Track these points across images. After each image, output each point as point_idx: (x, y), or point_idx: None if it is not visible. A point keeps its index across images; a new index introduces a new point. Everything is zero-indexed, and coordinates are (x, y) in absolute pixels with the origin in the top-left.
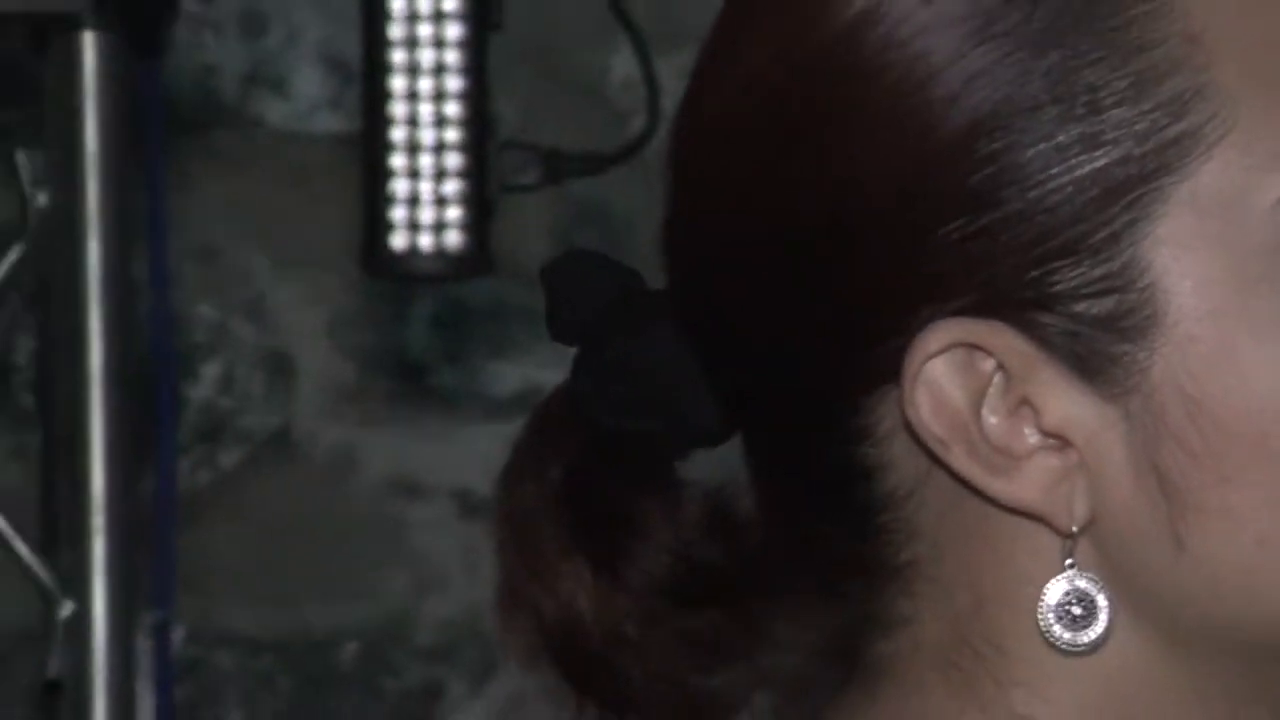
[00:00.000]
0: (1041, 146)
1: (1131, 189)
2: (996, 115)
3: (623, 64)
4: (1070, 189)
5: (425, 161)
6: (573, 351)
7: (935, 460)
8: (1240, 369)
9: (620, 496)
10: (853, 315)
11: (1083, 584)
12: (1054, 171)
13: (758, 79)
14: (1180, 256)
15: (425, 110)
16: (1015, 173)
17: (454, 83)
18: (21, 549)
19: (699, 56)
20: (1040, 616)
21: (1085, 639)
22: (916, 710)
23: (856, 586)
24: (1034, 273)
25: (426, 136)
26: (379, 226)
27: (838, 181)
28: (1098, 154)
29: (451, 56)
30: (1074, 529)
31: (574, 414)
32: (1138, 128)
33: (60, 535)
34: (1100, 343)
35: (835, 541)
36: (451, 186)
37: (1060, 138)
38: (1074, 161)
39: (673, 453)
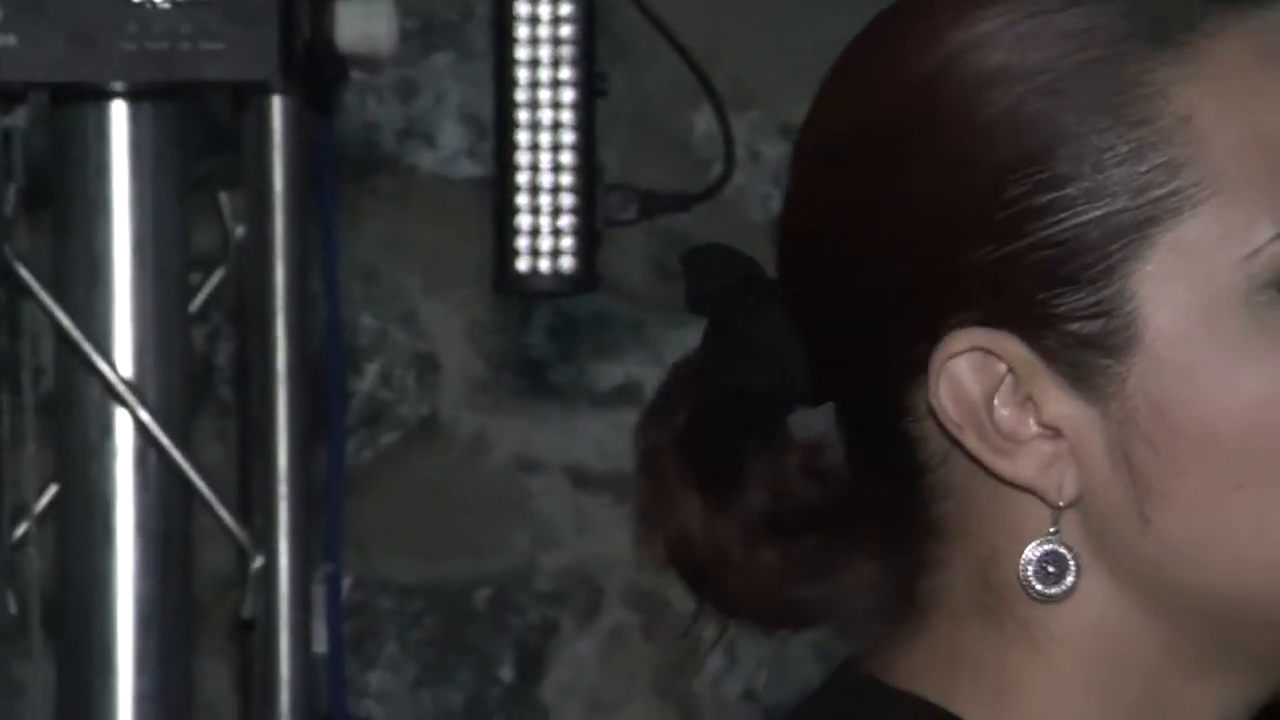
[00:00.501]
0: (1057, 194)
1: (1125, 234)
2: (1022, 166)
3: (704, 121)
4: (1076, 230)
5: (544, 200)
6: (660, 348)
7: (952, 439)
8: (1199, 386)
9: (732, 441)
10: (899, 317)
11: (1059, 548)
12: (1064, 215)
13: (850, 114)
14: (1160, 291)
15: (545, 159)
16: (1034, 214)
17: (568, 137)
18: (223, 513)
19: (819, 89)
20: (1020, 570)
21: (1053, 591)
22: (957, 635)
23: (907, 534)
24: (1041, 295)
25: (545, 180)
26: (507, 253)
27: (895, 207)
28: (1100, 204)
29: (566, 116)
30: (1061, 503)
31: (700, 373)
32: (1134, 185)
33: (253, 502)
34: (1088, 356)
35: (891, 496)
36: (565, 221)
37: (1070, 189)
38: (1080, 209)
39: (778, 409)
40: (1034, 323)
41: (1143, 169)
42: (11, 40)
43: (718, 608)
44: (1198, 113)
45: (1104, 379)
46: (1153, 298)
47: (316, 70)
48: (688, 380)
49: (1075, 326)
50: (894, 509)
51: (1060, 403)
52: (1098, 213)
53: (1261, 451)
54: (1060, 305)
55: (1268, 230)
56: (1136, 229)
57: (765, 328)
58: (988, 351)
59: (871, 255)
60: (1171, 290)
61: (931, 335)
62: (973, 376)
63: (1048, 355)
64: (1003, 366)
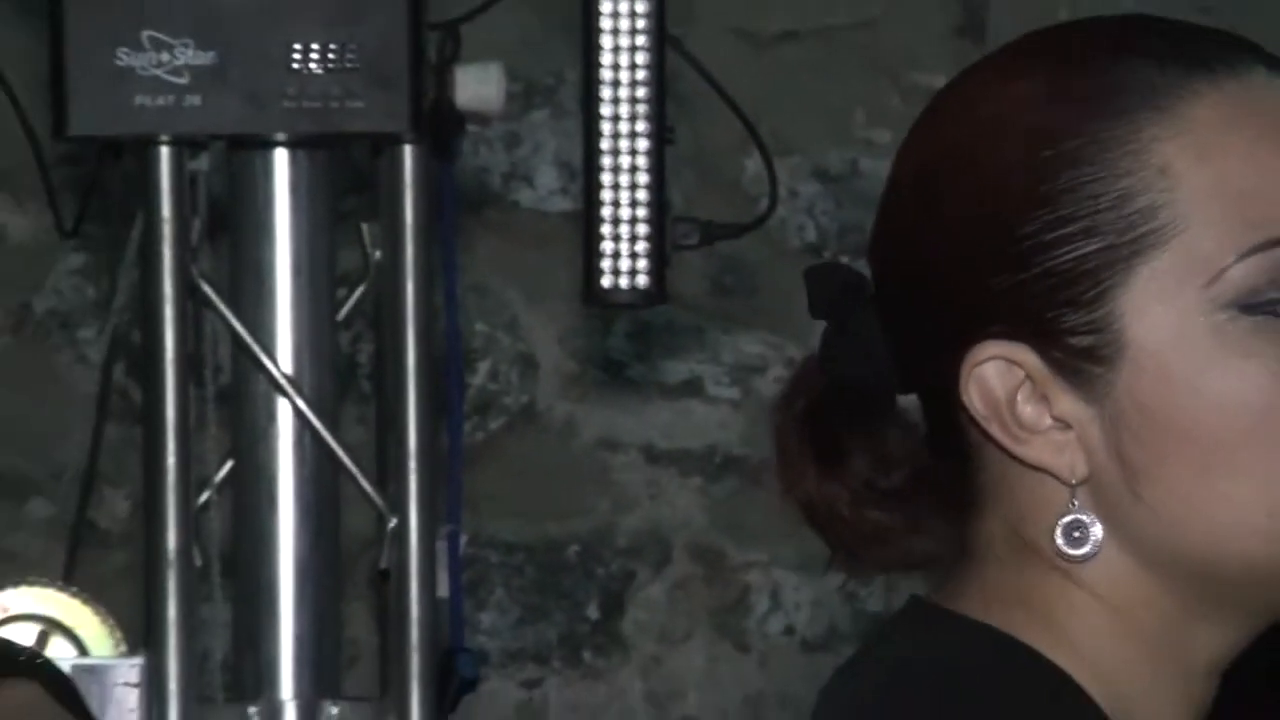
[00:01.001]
0: (1060, 232)
1: (1113, 266)
2: (1033, 209)
3: (753, 165)
4: (1075, 262)
5: (623, 229)
6: (717, 350)
7: (981, 430)
8: (1173, 391)
9: (840, 423)
10: (944, 329)
11: (1080, 516)
12: (1066, 249)
13: (912, 167)
14: (1140, 312)
15: (624, 196)
16: (1042, 248)
17: (642, 178)
18: (364, 484)
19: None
20: (1052, 536)
21: (1078, 553)
22: (1001, 577)
23: (961, 500)
24: (1049, 314)
25: (624, 213)
26: (593, 272)
27: (940, 240)
28: (1093, 241)
29: (641, 161)
30: (1073, 481)
31: (818, 368)
32: (1120, 225)
33: (388, 474)
34: (1085, 365)
35: (950, 471)
36: (640, 246)
37: (1071, 228)
38: (1079, 244)
39: (877, 399)
40: (1043, 336)
41: (1128, 212)
42: (197, 100)
43: (840, 551)
44: (1173, 165)
45: (1098, 384)
46: (1135, 317)
47: (439, 124)
48: (808, 374)
49: (1075, 340)
50: (953, 481)
51: (1067, 402)
52: (1093, 248)
53: (1226, 444)
54: (1064, 323)
55: (1226, 260)
56: (1124, 261)
57: (867, 332)
58: (1009, 360)
59: (923, 278)
60: (1150, 311)
61: (967, 344)
62: (997, 380)
63: (1055, 364)
64: (1021, 372)
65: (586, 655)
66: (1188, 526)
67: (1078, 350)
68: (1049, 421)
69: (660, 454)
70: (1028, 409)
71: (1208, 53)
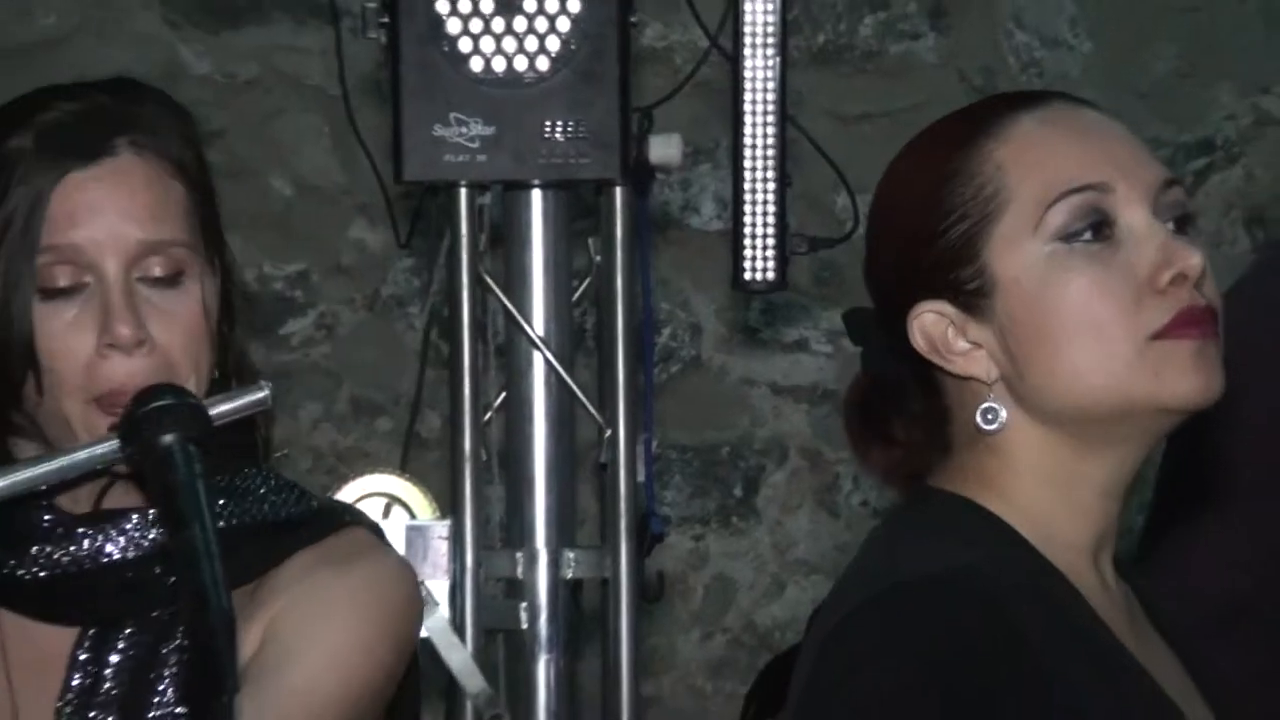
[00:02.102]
0: (945, 222)
1: (978, 233)
2: (935, 209)
3: (842, 199)
4: (957, 238)
5: (759, 242)
6: (818, 320)
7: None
8: (1027, 302)
9: (883, 405)
10: (896, 307)
11: (992, 404)
12: (950, 231)
13: (878, 197)
14: (1000, 256)
15: (759, 220)
16: (939, 235)
17: (771, 208)
18: (590, 408)
19: (879, 186)
20: (973, 419)
21: (991, 429)
22: (961, 462)
23: (942, 417)
24: (949, 275)
25: (760, 231)
26: (739, 269)
27: (892, 241)
28: (964, 222)
29: (770, 197)
30: (989, 381)
31: (863, 369)
32: (976, 207)
33: (605, 401)
34: (978, 301)
35: (934, 400)
36: (770, 253)
37: (953, 216)
38: (956, 226)
39: (894, 386)
40: (950, 289)
41: (980, 197)
42: (484, 158)
43: (877, 472)
44: (1003, 162)
45: (987, 311)
46: (998, 261)
47: (639, 174)
48: (859, 375)
49: (968, 286)
50: (934, 415)
51: (974, 329)
52: (964, 226)
53: (1067, 332)
54: (959, 277)
55: (1041, 210)
56: (983, 228)
57: (882, 346)
58: (935, 312)
59: (879, 278)
60: (1005, 255)
61: (908, 310)
62: (931, 326)
63: (961, 305)
64: (944, 318)
65: (733, 520)
66: (1056, 391)
67: (970, 292)
68: (965, 345)
69: (781, 388)
70: (951, 340)
71: (1029, 97)
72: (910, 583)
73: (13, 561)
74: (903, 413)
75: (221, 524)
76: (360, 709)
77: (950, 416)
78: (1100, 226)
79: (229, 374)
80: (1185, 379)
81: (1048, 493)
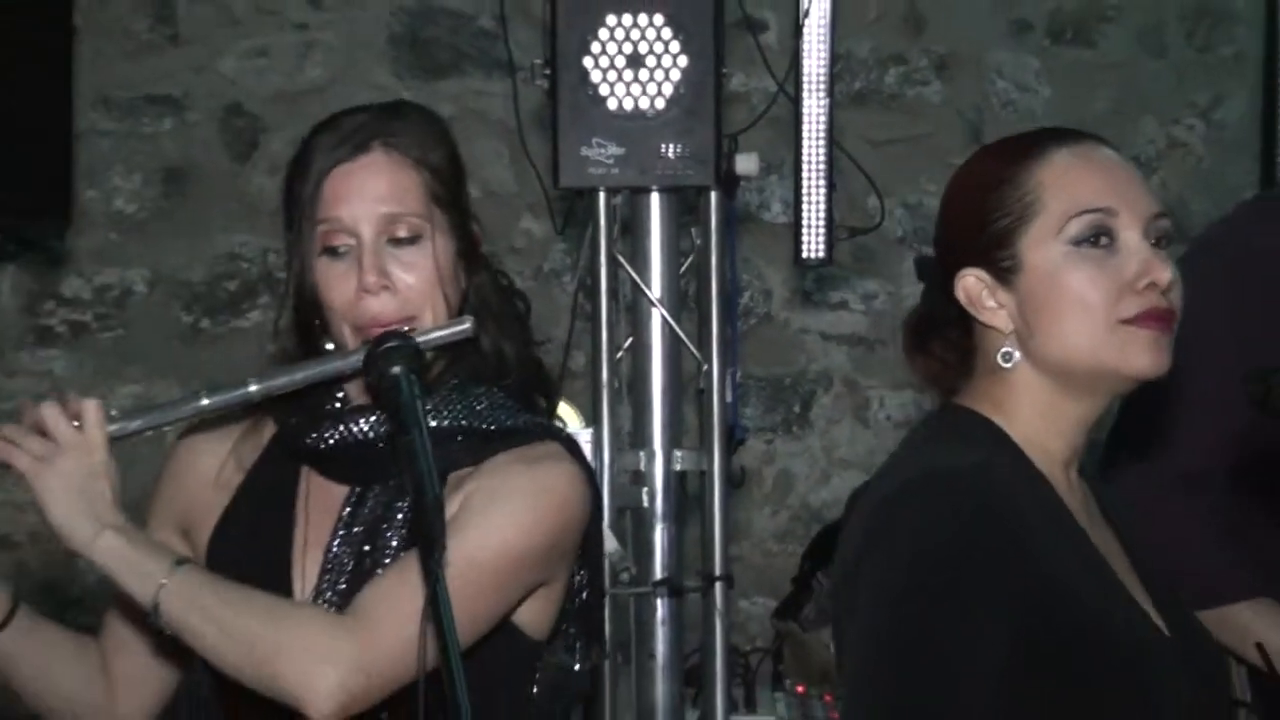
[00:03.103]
0: (994, 214)
1: (1017, 229)
2: (982, 208)
3: (873, 200)
4: (1000, 229)
5: (813, 231)
6: (852, 289)
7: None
8: (1042, 283)
9: (929, 329)
10: (948, 268)
11: (1010, 348)
12: (996, 223)
13: (944, 196)
14: (1030, 248)
15: (814, 216)
16: (988, 224)
17: (821, 207)
18: (691, 348)
19: (953, 178)
20: (998, 355)
21: (1008, 366)
22: (982, 386)
23: (973, 351)
24: (990, 254)
25: (814, 223)
26: (798, 250)
27: (947, 228)
28: (1008, 218)
29: (822, 200)
30: (1007, 331)
31: (921, 300)
32: (1017, 209)
33: (704, 344)
34: (1008, 275)
35: (964, 342)
36: (820, 237)
37: (999, 211)
38: (1001, 220)
39: (938, 317)
40: (990, 264)
41: (1021, 203)
42: (616, 170)
43: (918, 376)
44: (1042, 180)
45: (1013, 284)
46: (1027, 251)
47: (728, 181)
48: (917, 305)
49: (1003, 264)
50: (967, 341)
51: (1002, 294)
52: (1006, 221)
53: (1065, 307)
54: (997, 256)
55: (1063, 221)
56: (1021, 225)
57: (935, 286)
58: (975, 276)
59: (943, 246)
60: (1033, 247)
61: (956, 273)
62: (972, 286)
63: (995, 274)
64: (981, 283)
65: (794, 429)
66: (1052, 348)
67: (1003, 268)
68: (993, 304)
69: (828, 336)
70: (984, 298)
71: (1064, 135)
72: (940, 471)
73: (314, 434)
74: (942, 337)
75: (446, 422)
76: (509, 576)
77: (975, 350)
78: (1102, 238)
79: (470, 308)
80: (1142, 357)
81: (1038, 418)
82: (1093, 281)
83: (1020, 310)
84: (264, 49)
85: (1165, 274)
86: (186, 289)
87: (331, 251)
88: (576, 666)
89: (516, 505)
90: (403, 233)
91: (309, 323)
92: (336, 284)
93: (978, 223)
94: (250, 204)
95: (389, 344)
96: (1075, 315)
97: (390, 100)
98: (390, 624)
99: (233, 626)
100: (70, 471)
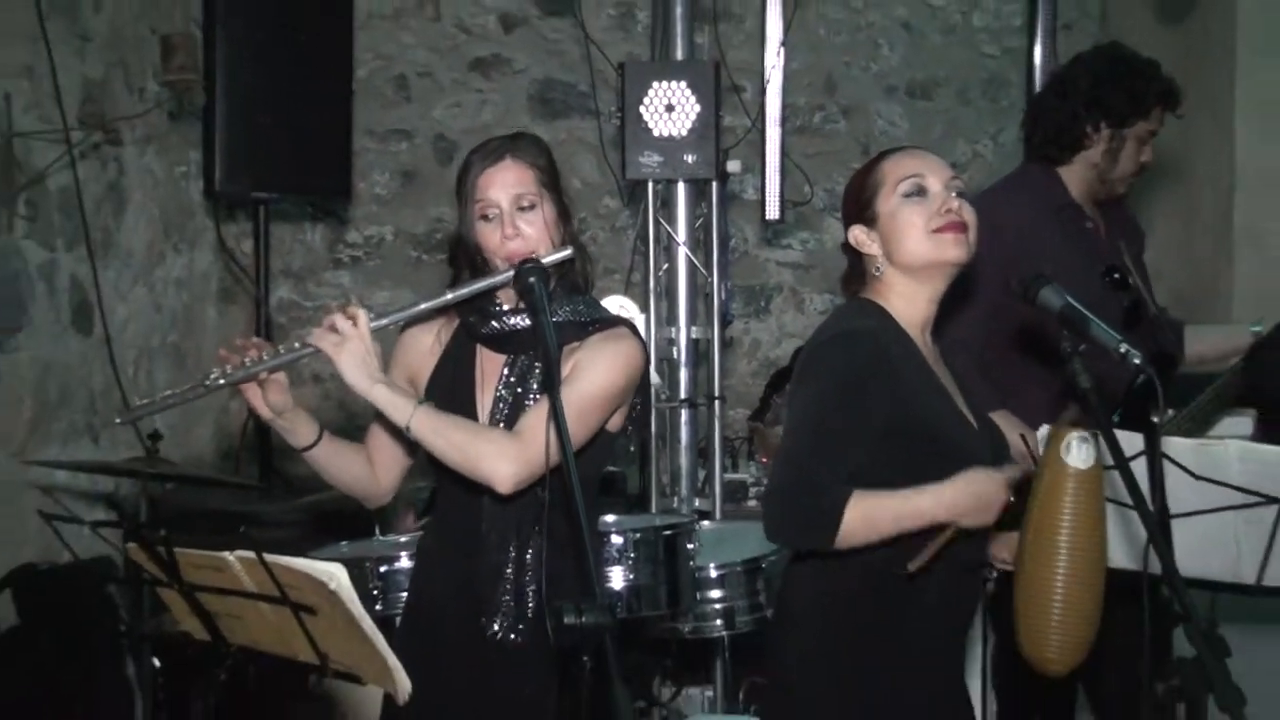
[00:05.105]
0: (867, 194)
1: (875, 197)
2: (864, 194)
3: (806, 187)
4: (868, 200)
5: (773, 201)
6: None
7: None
8: (889, 222)
9: (848, 257)
10: (849, 223)
11: (880, 263)
12: (867, 196)
13: (850, 183)
14: (882, 204)
15: (773, 193)
16: (862, 198)
17: (778, 188)
18: (700, 269)
19: (849, 181)
20: (876, 264)
21: (878, 274)
22: (872, 285)
23: (863, 268)
24: (865, 213)
25: (772, 199)
26: (765, 213)
27: (850, 203)
28: (872, 192)
29: (777, 185)
30: (878, 255)
31: (842, 245)
32: (875, 187)
33: (710, 266)
34: (873, 224)
35: (858, 262)
36: (777, 205)
37: (868, 191)
38: (870, 194)
39: (852, 251)
40: (865, 219)
41: (877, 183)
42: (657, 170)
43: (843, 287)
44: (886, 170)
45: (877, 227)
46: (880, 207)
47: (723, 176)
48: (841, 245)
49: (872, 217)
50: (860, 264)
51: (873, 234)
52: (870, 194)
53: (903, 233)
54: (868, 214)
55: (896, 184)
56: (875, 194)
57: (846, 240)
58: (860, 228)
59: (845, 209)
60: (883, 205)
61: (851, 227)
62: (858, 233)
63: (868, 224)
64: (864, 232)
65: (760, 315)
66: (903, 257)
67: (870, 219)
68: (869, 241)
69: (781, 263)
70: (866, 240)
71: (898, 148)
72: (846, 330)
73: (484, 329)
74: (853, 263)
75: (566, 317)
76: (603, 404)
77: (865, 267)
78: (919, 191)
79: (568, 243)
80: (950, 250)
81: (901, 300)
82: (915, 213)
83: (883, 241)
84: (458, 103)
85: (955, 202)
86: (413, 238)
87: (485, 218)
88: (631, 447)
89: (606, 364)
90: (524, 204)
91: (473, 261)
92: (489, 236)
93: (857, 198)
94: (448, 191)
95: (526, 265)
96: (909, 234)
97: (516, 131)
98: (536, 435)
99: (452, 439)
100: (354, 350)
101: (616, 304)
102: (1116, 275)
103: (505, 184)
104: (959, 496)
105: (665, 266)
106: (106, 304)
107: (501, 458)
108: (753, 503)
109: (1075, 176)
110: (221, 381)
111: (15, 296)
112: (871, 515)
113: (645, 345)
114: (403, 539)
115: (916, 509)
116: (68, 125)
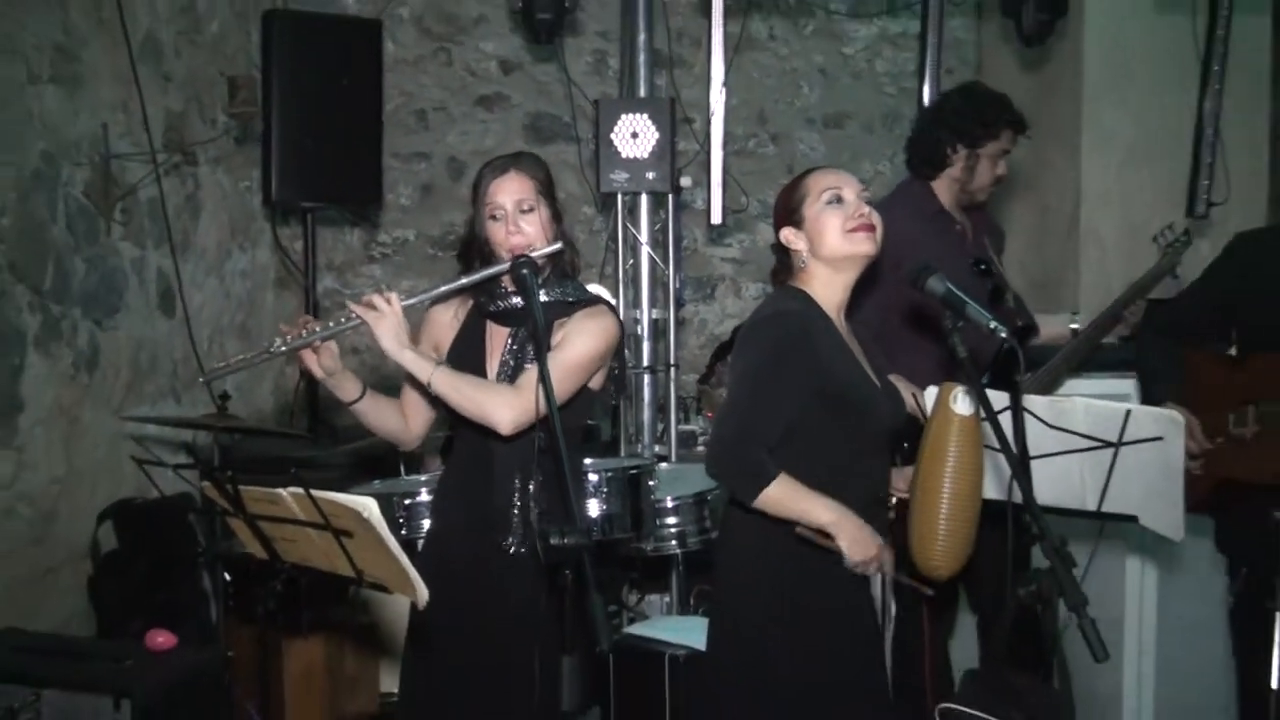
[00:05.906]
0: (795, 201)
1: (801, 204)
2: (793, 202)
3: (743, 198)
4: (796, 206)
5: (716, 207)
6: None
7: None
8: (813, 224)
9: (778, 255)
10: (780, 225)
11: (804, 257)
12: (796, 203)
13: (780, 195)
14: (808, 209)
15: (717, 202)
16: (791, 205)
17: (720, 198)
18: (660, 264)
19: (779, 193)
20: (803, 258)
21: (803, 266)
22: (799, 276)
23: (790, 261)
24: (794, 218)
25: (716, 207)
26: (709, 219)
27: (780, 210)
28: (799, 200)
29: (719, 196)
30: (804, 251)
31: (772, 246)
32: (801, 197)
33: (667, 261)
34: (801, 226)
35: (786, 257)
36: (720, 211)
37: (795, 199)
38: (797, 201)
39: (783, 249)
40: (794, 222)
41: (804, 194)
42: (625, 185)
43: (773, 279)
44: (811, 184)
45: (803, 228)
46: (806, 212)
47: (677, 189)
48: (772, 245)
49: (799, 221)
50: (787, 259)
51: (800, 234)
52: (798, 203)
53: (823, 231)
54: (796, 218)
55: (819, 194)
56: (803, 202)
57: (778, 239)
58: (790, 230)
59: (776, 215)
60: (809, 210)
61: (782, 229)
62: (788, 234)
63: (795, 226)
64: (794, 232)
65: (707, 300)
66: (824, 252)
67: (798, 223)
68: (797, 240)
69: (723, 259)
70: (793, 239)
71: (821, 168)
72: (777, 312)
73: (491, 307)
74: (781, 258)
75: (557, 297)
76: (585, 368)
77: (792, 261)
78: (838, 200)
79: (559, 239)
80: (861, 246)
81: (822, 287)
82: (834, 216)
83: (808, 239)
84: (466, 131)
85: (865, 209)
86: (431, 239)
87: (493, 218)
88: (614, 401)
89: (588, 335)
90: (525, 207)
91: (483, 253)
92: (496, 232)
93: (787, 205)
94: (459, 201)
95: (520, 258)
96: (829, 233)
97: (518, 151)
98: (529, 390)
99: (464, 392)
100: (389, 323)
101: (594, 290)
102: (983, 266)
103: (510, 191)
104: (851, 528)
105: (631, 262)
106: (186, 291)
107: (504, 406)
108: (700, 449)
109: (943, 189)
110: (283, 348)
111: (114, 286)
112: (786, 499)
113: (621, 320)
114: (422, 478)
115: (819, 516)
116: (154, 149)
